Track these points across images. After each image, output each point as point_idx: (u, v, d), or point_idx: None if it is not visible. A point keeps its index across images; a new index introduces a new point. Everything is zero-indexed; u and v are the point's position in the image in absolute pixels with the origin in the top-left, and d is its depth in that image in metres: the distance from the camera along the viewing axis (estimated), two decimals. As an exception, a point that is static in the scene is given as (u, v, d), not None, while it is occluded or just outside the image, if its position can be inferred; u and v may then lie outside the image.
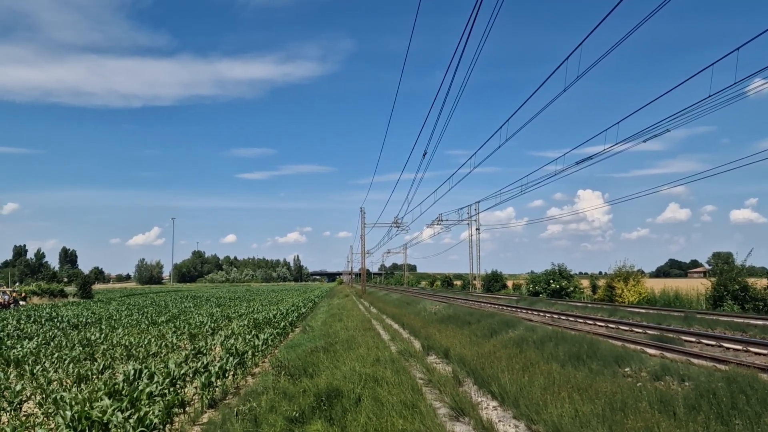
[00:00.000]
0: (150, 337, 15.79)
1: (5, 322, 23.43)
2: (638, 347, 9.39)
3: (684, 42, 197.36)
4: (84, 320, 23.72)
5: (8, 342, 15.56)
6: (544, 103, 15.92)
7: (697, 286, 28.82)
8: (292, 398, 6.86)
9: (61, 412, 6.01)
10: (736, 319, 18.36)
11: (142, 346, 13.32)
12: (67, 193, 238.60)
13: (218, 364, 8.99)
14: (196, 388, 8.35)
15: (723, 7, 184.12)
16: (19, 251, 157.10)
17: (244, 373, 10.07)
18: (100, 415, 5.91)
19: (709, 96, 14.17)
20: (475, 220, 56.54)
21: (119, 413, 5.99)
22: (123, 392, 7.18)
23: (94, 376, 9.79)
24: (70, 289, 60.52)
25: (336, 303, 33.25)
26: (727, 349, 11.74)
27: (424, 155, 24.47)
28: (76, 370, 9.90)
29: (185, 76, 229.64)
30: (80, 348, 13.52)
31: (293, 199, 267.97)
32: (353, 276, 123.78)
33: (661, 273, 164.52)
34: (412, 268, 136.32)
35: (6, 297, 38.77)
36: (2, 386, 8.80)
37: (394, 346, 11.98)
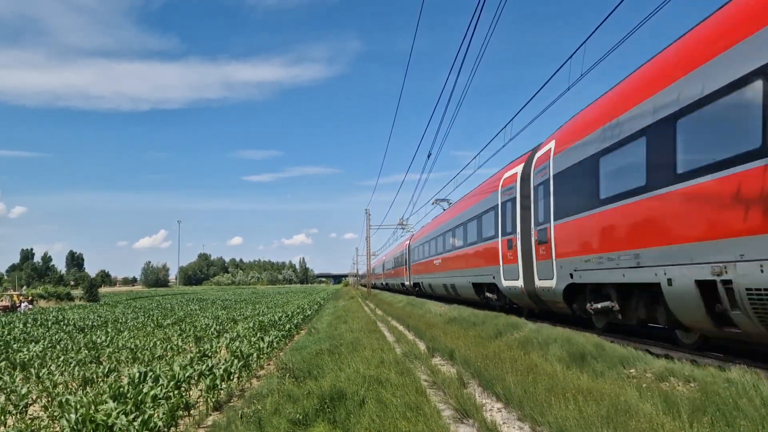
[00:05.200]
0: (155, 339, 15.85)
1: (12, 325, 23.57)
2: (643, 348, 9.33)
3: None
4: (90, 323, 23.84)
5: (15, 345, 15.65)
6: (548, 103, 15.91)
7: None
8: (296, 400, 6.86)
9: (66, 415, 6.04)
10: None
11: (147, 349, 13.37)
12: (74, 197, 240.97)
13: (223, 367, 9.01)
14: (200, 390, 8.38)
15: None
16: (27, 255, 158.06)
17: (249, 375, 10.09)
18: (104, 418, 5.94)
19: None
20: (480, 221, 56.36)
21: (124, 416, 6.01)
22: (128, 395, 7.21)
23: (100, 379, 9.84)
24: (77, 292, 60.84)
25: (341, 305, 33.26)
26: (733, 349, 11.66)
27: (428, 156, 24.49)
28: (82, 373, 9.97)
29: (193, 79, 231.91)
30: (86, 351, 13.59)
31: (299, 200, 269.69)
32: (359, 278, 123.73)
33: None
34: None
35: (24, 304, 39.42)
36: (8, 389, 8.86)
37: (398, 348, 11.97)
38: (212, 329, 18.79)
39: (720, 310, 7.28)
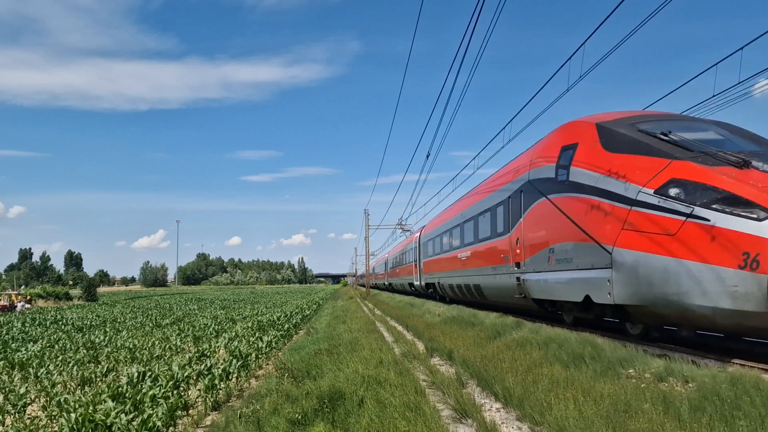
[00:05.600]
0: (154, 339, 15.83)
1: (10, 325, 23.54)
2: (642, 348, 9.32)
3: (687, 42, 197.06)
4: (88, 323, 23.81)
5: (13, 345, 15.62)
6: (547, 104, 15.95)
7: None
8: (295, 400, 6.86)
9: (65, 415, 6.04)
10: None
11: (146, 349, 13.35)
12: (73, 197, 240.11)
13: (222, 367, 9.00)
14: (199, 390, 8.37)
15: (725, 7, 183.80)
16: (25, 254, 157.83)
17: (248, 375, 10.08)
18: (103, 417, 5.93)
19: (713, 96, 14.07)
20: (479, 222, 56.38)
21: (123, 416, 6.01)
22: (126, 395, 7.20)
23: (98, 379, 9.82)
24: (75, 291, 60.72)
25: (340, 305, 33.25)
26: (732, 349, 11.67)
27: (427, 157, 24.56)
28: (80, 372, 9.95)
29: (192, 80, 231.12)
30: (84, 351, 13.57)
31: (298, 201, 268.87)
32: (357, 278, 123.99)
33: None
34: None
35: (21, 304, 39.22)
36: (6, 389, 8.84)
37: (397, 348, 11.97)
38: (211, 329, 18.76)
39: (436, 289, 26.33)
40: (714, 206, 7.14)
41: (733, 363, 7.37)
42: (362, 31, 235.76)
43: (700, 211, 7.24)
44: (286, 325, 18.40)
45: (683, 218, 7.43)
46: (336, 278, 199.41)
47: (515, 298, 14.14)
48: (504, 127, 18.89)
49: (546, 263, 11.65)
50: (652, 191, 8.05)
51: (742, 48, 12.49)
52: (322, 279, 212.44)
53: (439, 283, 25.39)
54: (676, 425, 4.74)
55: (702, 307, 7.34)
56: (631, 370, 7.28)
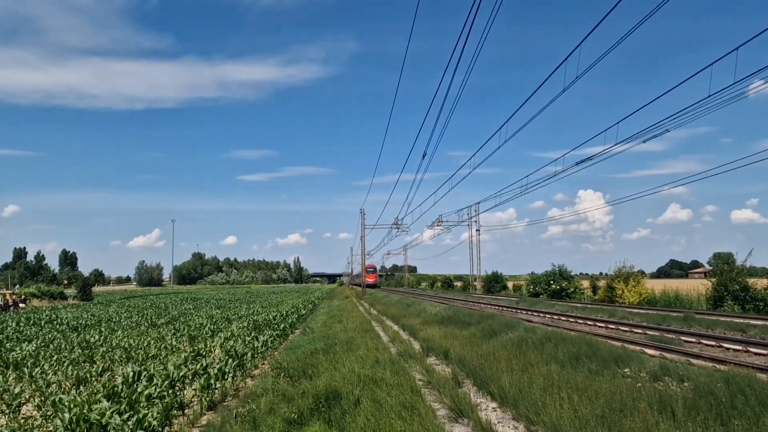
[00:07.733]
0: (149, 339, 15.77)
1: (5, 324, 23.43)
2: (638, 348, 9.38)
3: (683, 42, 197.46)
4: (83, 322, 23.69)
5: (7, 344, 15.54)
6: (544, 104, 16.05)
7: (697, 286, 28.78)
8: (291, 400, 6.85)
9: (60, 415, 6.01)
10: (736, 320, 18.36)
11: (141, 349, 13.30)
12: (68, 196, 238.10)
13: (217, 366, 8.97)
14: (195, 390, 8.35)
15: (721, 7, 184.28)
16: (19, 253, 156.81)
17: (244, 375, 10.06)
18: (98, 417, 5.90)
19: (709, 96, 14.24)
20: (476, 221, 56.55)
21: (117, 415, 5.98)
22: (122, 394, 7.17)
23: (93, 379, 9.78)
24: (70, 291, 60.39)
25: (336, 305, 33.23)
26: (727, 349, 11.74)
27: (423, 156, 24.79)
28: (75, 372, 9.90)
29: (189, 79, 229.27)
30: (79, 350, 13.51)
31: (294, 200, 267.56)
32: (352, 277, 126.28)
33: (662, 273, 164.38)
34: (413, 270, 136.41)
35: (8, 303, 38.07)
36: (1, 389, 8.79)
37: (393, 348, 11.97)
38: (206, 329, 18.71)
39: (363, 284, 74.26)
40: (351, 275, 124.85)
41: (728, 362, 7.41)
42: (359, 31, 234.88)
43: (357, 276, 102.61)
44: (282, 325, 18.36)
45: (364, 276, 70.31)
46: (332, 278, 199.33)
47: (364, 285, 65.55)
48: (501, 127, 19.22)
49: (365, 279, 67.70)
50: (375, 270, 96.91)
51: (737, 48, 12.58)
52: (317, 278, 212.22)
53: (357, 282, 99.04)
54: (671, 425, 4.76)
55: (364, 284, 65.36)
56: (626, 370, 7.30)
